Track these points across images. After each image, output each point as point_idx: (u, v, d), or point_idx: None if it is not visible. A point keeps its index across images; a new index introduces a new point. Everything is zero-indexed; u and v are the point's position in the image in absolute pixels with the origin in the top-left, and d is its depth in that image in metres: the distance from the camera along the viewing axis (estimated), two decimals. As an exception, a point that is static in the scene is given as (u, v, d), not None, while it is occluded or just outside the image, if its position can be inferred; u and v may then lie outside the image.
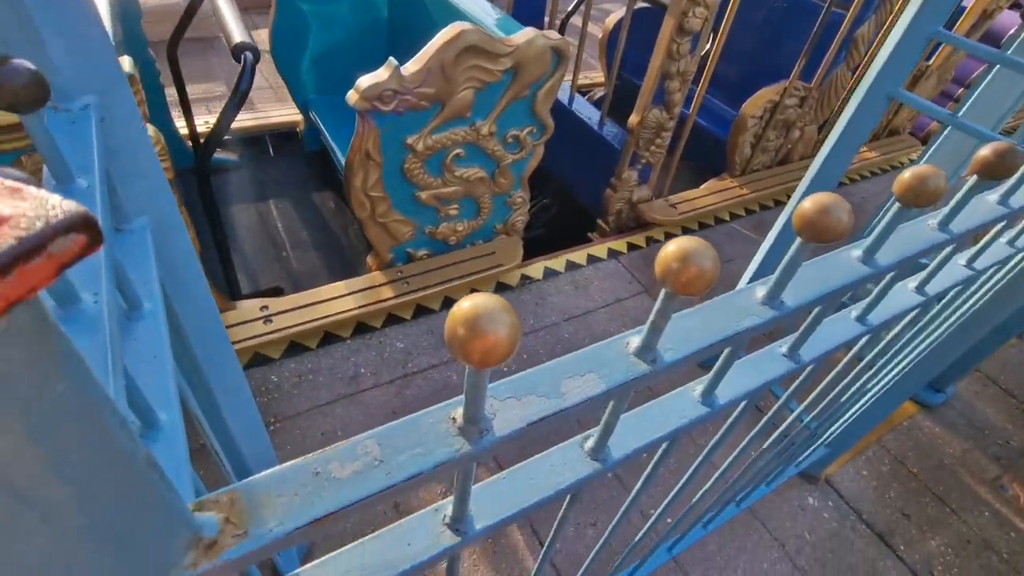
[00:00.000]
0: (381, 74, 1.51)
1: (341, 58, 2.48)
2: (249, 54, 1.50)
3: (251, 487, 0.29)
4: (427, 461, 0.32)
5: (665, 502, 0.83)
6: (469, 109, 1.70)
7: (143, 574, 0.25)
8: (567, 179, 3.01)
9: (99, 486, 0.20)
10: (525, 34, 1.66)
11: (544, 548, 0.64)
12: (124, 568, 0.23)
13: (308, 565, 0.39)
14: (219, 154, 2.55)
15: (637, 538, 0.93)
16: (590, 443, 0.49)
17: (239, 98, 1.49)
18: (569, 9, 2.92)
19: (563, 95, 2.84)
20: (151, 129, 1.16)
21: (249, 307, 1.79)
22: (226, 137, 2.29)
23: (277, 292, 2.11)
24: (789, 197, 2.32)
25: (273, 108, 3.11)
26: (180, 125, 2.39)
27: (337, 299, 1.88)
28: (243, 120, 2.75)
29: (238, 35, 1.54)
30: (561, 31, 2.65)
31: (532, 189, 2.17)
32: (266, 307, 1.81)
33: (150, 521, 0.24)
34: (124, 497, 0.22)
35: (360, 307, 1.88)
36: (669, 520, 1.56)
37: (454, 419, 0.34)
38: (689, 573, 1.54)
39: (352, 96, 1.53)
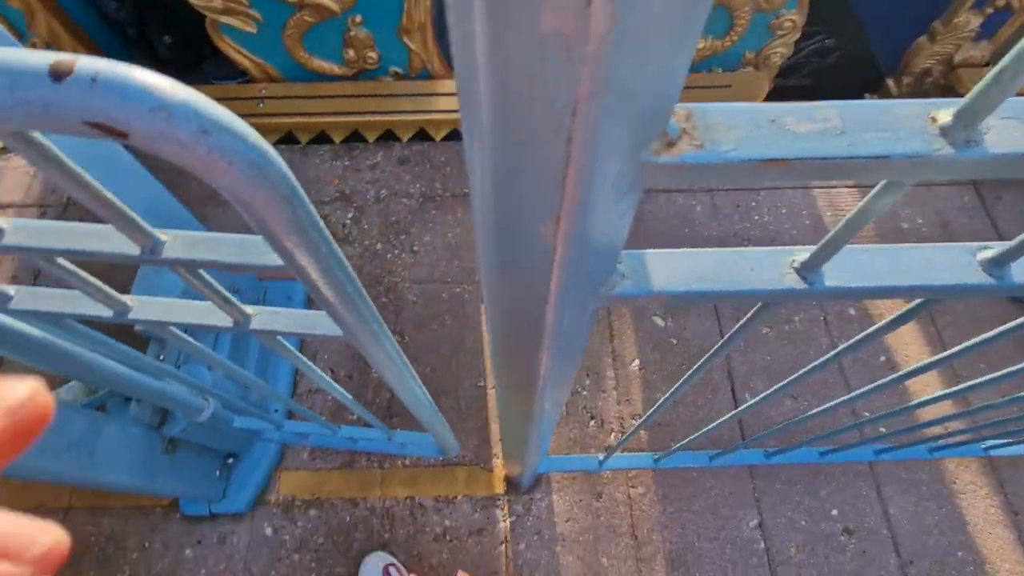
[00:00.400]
0: None
1: None
2: None
3: (705, 111, 0.28)
4: (896, 147, 0.27)
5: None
6: None
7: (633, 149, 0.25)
8: (865, 15, 2.28)
9: None
10: None
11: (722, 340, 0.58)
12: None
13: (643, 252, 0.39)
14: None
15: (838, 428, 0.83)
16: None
17: None
18: None
19: None
20: None
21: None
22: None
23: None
24: None
25: None
26: None
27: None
28: None
29: None
30: None
31: (811, 19, 1.69)
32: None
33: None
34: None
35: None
36: (883, 429, 1.41)
37: (934, 119, 0.28)
38: (882, 485, 1.42)
39: None
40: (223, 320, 0.52)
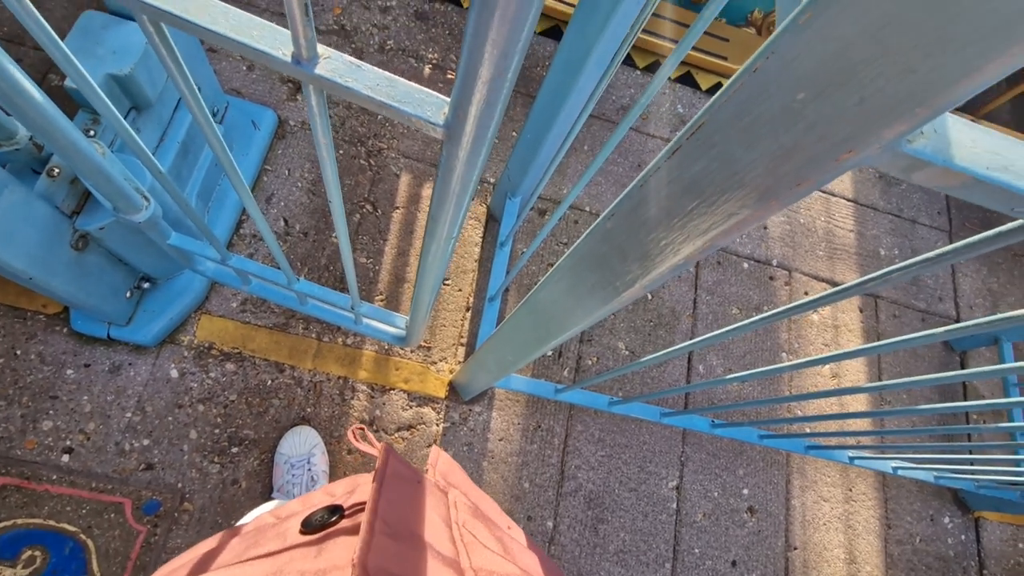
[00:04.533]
0: None
1: None
2: None
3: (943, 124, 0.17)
4: None
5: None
6: None
7: None
8: None
9: None
10: None
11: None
12: None
13: None
14: None
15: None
16: None
17: None
18: None
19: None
20: None
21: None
22: None
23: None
24: None
25: None
26: None
27: None
28: None
29: None
30: None
31: None
32: None
33: None
34: None
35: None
36: (808, 428, 1.48)
37: None
38: (792, 478, 1.50)
39: None
40: (278, 48, 0.36)
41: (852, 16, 0.22)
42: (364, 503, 0.39)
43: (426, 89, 0.38)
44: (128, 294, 1.14)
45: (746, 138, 0.29)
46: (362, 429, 0.56)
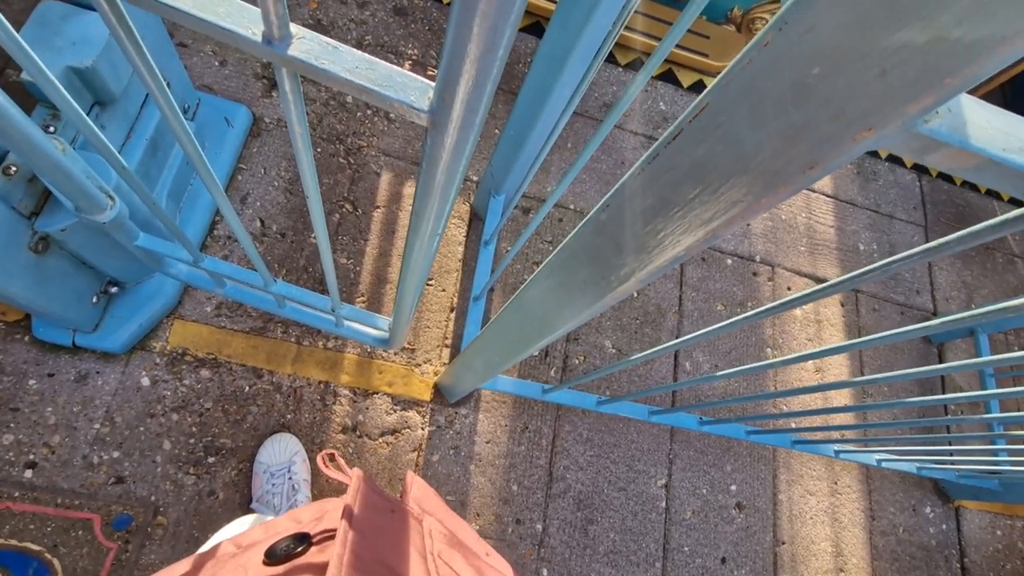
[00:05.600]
0: None
1: None
2: None
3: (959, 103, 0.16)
4: None
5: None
6: None
7: None
8: None
9: None
10: None
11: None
12: None
13: None
14: None
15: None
16: None
17: None
18: None
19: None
20: None
21: None
22: None
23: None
24: None
25: None
26: None
27: None
28: None
29: None
30: None
31: None
32: None
33: None
34: None
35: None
36: (794, 424, 1.48)
37: None
38: (779, 472, 1.51)
39: None
40: (247, 27, 0.33)
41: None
42: (333, 530, 0.36)
43: (409, 72, 0.36)
44: (94, 299, 1.09)
45: (754, 118, 0.27)
46: (332, 455, 0.53)
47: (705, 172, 0.31)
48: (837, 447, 1.40)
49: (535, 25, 1.70)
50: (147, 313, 1.16)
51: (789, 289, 1.71)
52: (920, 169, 2.03)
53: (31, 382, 1.10)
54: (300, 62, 0.34)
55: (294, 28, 0.34)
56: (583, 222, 0.47)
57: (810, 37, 0.23)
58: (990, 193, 2.11)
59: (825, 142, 0.25)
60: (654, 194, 0.35)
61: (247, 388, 1.21)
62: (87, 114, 0.97)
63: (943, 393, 1.73)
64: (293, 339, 1.27)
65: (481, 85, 0.30)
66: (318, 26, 1.53)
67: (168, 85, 1.11)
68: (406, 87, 0.35)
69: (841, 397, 1.64)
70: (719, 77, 0.28)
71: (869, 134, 0.23)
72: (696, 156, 0.31)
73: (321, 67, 0.34)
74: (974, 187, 2.09)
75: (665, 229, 0.36)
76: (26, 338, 1.12)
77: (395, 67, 0.35)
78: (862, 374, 1.70)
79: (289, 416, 1.22)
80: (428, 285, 1.41)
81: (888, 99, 0.22)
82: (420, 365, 1.34)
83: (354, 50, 0.35)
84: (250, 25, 0.34)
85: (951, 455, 1.42)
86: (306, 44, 0.34)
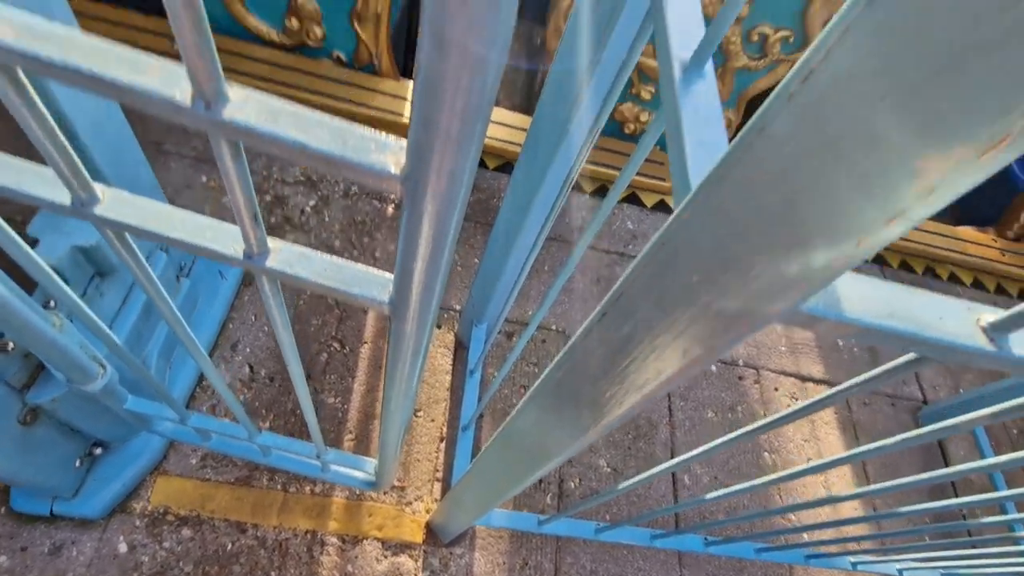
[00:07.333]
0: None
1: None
2: None
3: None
4: None
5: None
6: None
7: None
8: None
9: None
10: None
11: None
12: None
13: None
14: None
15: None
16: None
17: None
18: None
19: None
20: None
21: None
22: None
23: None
24: None
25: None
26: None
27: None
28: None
29: None
30: None
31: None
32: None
33: None
34: None
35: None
36: (806, 536, 1.41)
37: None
38: (801, 597, 1.41)
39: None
40: (230, 246, 0.39)
41: (716, 221, 0.25)
42: None
43: (372, 270, 0.41)
44: (78, 463, 1.08)
45: (660, 308, 0.32)
46: None
47: (631, 347, 0.35)
48: (853, 559, 1.32)
49: (506, 165, 1.88)
50: (131, 472, 1.14)
51: (776, 390, 1.72)
52: (880, 260, 2.14)
53: (1, 559, 1.05)
54: (277, 272, 0.40)
55: (271, 242, 0.40)
56: (542, 377, 0.51)
57: (688, 251, 0.29)
58: (952, 279, 2.21)
59: (713, 334, 0.29)
60: (594, 362, 0.39)
61: (230, 545, 1.16)
62: (88, 283, 1.03)
63: (955, 491, 1.68)
64: (279, 486, 1.24)
65: (430, 288, 0.35)
66: (309, 182, 1.68)
67: (166, 251, 1.20)
68: (369, 284, 0.40)
69: (850, 505, 1.58)
70: (628, 271, 0.34)
71: (745, 326, 0.28)
72: (623, 333, 0.35)
73: (295, 274, 0.39)
74: (936, 275, 2.19)
75: (610, 390, 0.40)
76: (2, 510, 1.09)
77: (359, 266, 0.41)
78: (865, 474, 1.65)
79: (274, 573, 1.15)
80: (416, 416, 1.40)
81: (755, 302, 0.27)
82: (411, 503, 1.29)
83: (323, 255, 0.41)
84: (233, 244, 0.39)
85: (977, 558, 1.34)
86: (282, 255, 0.40)
